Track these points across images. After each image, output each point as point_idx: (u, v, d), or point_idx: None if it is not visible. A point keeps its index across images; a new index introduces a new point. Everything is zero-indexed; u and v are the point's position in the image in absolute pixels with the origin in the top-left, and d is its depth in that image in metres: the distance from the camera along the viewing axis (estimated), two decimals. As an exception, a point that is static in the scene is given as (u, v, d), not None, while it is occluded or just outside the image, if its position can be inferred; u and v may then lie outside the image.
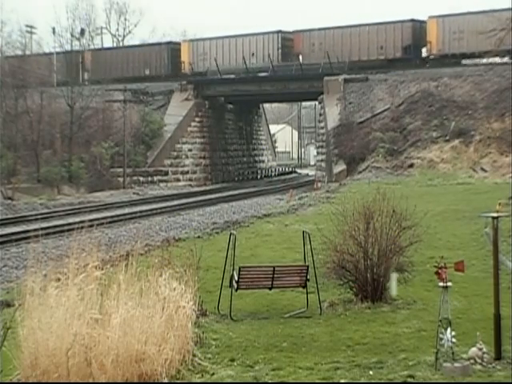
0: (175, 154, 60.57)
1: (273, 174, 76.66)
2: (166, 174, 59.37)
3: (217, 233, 26.92)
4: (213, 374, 10.39)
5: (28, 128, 55.10)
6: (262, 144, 77.79)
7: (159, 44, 72.23)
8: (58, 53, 65.30)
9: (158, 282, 10.78)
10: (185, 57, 66.70)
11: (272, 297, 15.38)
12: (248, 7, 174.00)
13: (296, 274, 14.58)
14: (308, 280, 14.37)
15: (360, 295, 14.54)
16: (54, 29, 64.65)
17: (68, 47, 61.45)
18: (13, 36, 64.96)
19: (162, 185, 58.19)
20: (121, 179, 55.27)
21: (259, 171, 74.05)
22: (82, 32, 63.90)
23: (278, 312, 14.36)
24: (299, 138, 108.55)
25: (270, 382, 10.03)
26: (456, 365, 10.05)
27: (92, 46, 73.28)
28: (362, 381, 9.92)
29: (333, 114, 54.16)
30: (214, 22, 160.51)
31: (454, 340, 10.30)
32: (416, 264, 15.41)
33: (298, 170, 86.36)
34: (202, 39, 69.76)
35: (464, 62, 57.66)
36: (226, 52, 65.00)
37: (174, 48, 68.37)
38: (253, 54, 63.48)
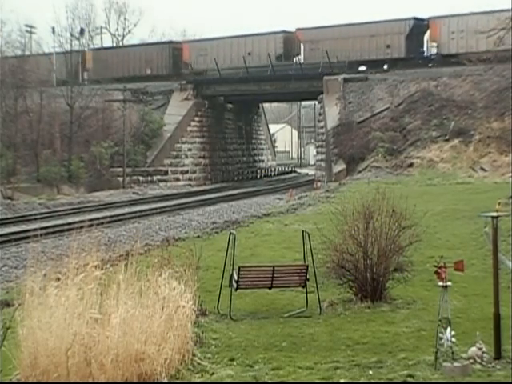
0: (175, 153, 60.54)
1: (272, 173, 76.61)
2: (166, 173, 59.32)
3: (216, 232, 26.91)
4: (212, 373, 10.39)
5: (28, 128, 55.07)
6: (261, 144, 77.75)
7: None
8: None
9: (158, 281, 10.77)
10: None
11: (272, 296, 15.37)
12: (248, 7, 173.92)
13: (296, 274, 14.57)
14: (308, 280, 14.37)
15: (360, 295, 14.53)
16: (53, 28, 64.74)
17: (68, 47, 61.36)
18: (12, 36, 64.99)
19: (161, 184, 58.14)
20: (120, 179, 55.24)
21: (259, 171, 74.01)
22: (82, 32, 63.91)
23: (278, 312, 14.35)
24: (299, 137, 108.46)
25: (269, 381, 10.03)
26: (456, 364, 10.05)
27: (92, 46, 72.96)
28: (362, 380, 9.91)
29: (332, 114, 54.13)
30: (214, 22, 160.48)
31: (453, 339, 10.30)
32: (416, 263, 15.41)
33: (298, 170, 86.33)
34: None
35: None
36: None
37: None
38: (151, 69, 66.78)
